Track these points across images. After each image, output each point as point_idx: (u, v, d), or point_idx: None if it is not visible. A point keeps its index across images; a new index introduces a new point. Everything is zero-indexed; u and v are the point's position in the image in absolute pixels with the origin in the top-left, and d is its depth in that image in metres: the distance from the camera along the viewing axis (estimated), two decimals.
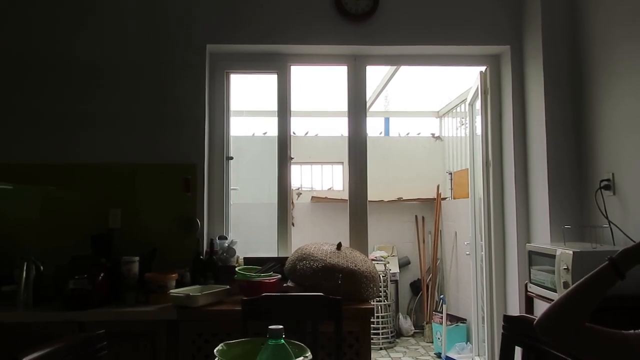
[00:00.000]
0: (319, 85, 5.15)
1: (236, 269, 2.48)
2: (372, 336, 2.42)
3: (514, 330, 1.56)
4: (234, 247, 2.73)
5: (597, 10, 2.47)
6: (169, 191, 2.74)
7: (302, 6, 2.85)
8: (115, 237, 2.59)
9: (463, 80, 4.70)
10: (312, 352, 1.27)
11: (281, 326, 1.17)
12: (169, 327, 2.20)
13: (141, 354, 2.20)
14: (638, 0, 2.17)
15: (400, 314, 5.47)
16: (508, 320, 1.60)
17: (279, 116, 2.97)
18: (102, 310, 2.21)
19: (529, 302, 2.45)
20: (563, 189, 2.59)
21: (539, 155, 2.69)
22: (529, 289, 2.39)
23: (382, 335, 4.96)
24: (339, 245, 2.56)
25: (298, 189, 5.96)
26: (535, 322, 1.17)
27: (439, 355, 4.60)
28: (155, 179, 2.74)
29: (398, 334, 5.32)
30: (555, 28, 2.66)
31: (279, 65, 2.97)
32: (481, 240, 3.20)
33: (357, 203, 2.97)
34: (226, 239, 2.76)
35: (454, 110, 5.56)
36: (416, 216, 5.81)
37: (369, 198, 3.00)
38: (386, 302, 5.07)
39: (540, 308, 2.32)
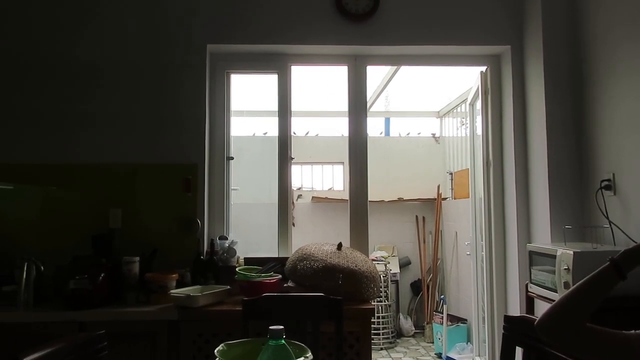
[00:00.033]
0: (319, 85, 5.16)
1: (237, 269, 2.48)
2: (372, 336, 2.42)
3: (515, 331, 1.56)
4: (234, 247, 2.72)
5: (597, 10, 2.47)
6: (170, 191, 2.74)
7: (303, 6, 2.85)
8: (116, 237, 2.59)
9: (463, 80, 4.70)
10: (312, 353, 1.27)
11: (282, 326, 1.17)
12: (170, 327, 2.20)
13: (142, 354, 2.19)
14: (638, 0, 2.17)
15: (400, 314, 5.47)
16: (509, 320, 1.60)
17: (279, 116, 2.97)
18: (102, 310, 2.21)
19: (529, 302, 2.45)
20: (564, 189, 2.59)
21: (539, 155, 2.69)
22: (529, 289, 2.39)
23: (382, 335, 4.95)
24: (340, 246, 2.56)
25: (299, 189, 5.96)
26: (536, 323, 1.16)
27: (439, 355, 4.60)
28: (156, 179, 2.74)
29: (399, 334, 5.32)
30: (555, 28, 2.66)
31: (279, 65, 2.97)
32: (482, 241, 3.20)
33: (358, 203, 2.97)
34: (227, 239, 2.76)
35: (455, 110, 5.56)
36: (417, 216, 5.81)
37: (370, 198, 3.00)
38: (387, 303, 5.07)
39: (541, 308, 2.32)
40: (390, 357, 4.69)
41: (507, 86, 2.94)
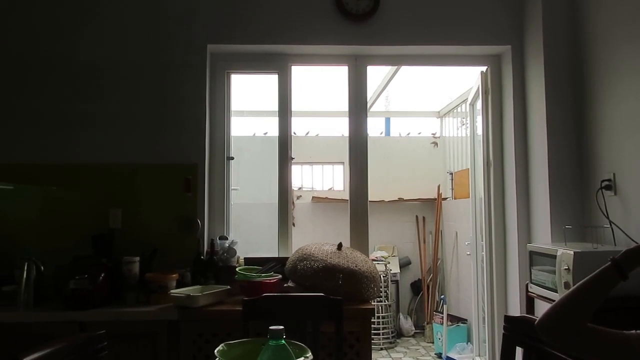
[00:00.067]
0: (319, 86, 5.16)
1: (237, 269, 2.48)
2: (372, 336, 2.42)
3: (515, 331, 1.56)
4: (234, 247, 2.72)
5: (598, 10, 2.47)
6: (170, 191, 2.74)
7: (303, 6, 2.85)
8: (116, 237, 2.59)
9: (464, 80, 4.70)
10: (312, 353, 1.26)
11: (282, 327, 1.17)
12: (170, 327, 2.20)
13: (142, 354, 2.19)
14: (639, 0, 2.17)
15: (400, 314, 5.47)
16: (509, 320, 1.60)
17: (279, 116, 2.97)
18: (102, 310, 2.21)
19: (529, 302, 2.45)
20: (564, 189, 2.59)
21: (539, 155, 2.69)
22: (529, 289, 2.39)
23: (382, 335, 4.95)
24: (340, 246, 2.56)
25: (299, 189, 5.96)
26: (536, 322, 1.16)
27: (439, 355, 4.60)
28: (156, 179, 2.74)
29: (399, 334, 5.32)
30: (556, 28, 2.66)
31: (279, 65, 2.97)
32: (482, 241, 3.19)
33: (358, 203, 2.97)
34: (227, 239, 2.76)
35: (455, 110, 5.56)
36: (417, 216, 5.81)
37: (370, 198, 3.00)
38: (387, 303, 5.07)
39: (541, 308, 2.32)
40: (390, 357, 4.69)
41: (507, 86, 2.94)
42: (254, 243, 3.18)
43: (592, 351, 1.11)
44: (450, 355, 4.35)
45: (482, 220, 3.19)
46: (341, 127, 5.94)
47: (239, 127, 3.58)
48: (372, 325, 3.86)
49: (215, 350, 1.28)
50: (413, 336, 5.35)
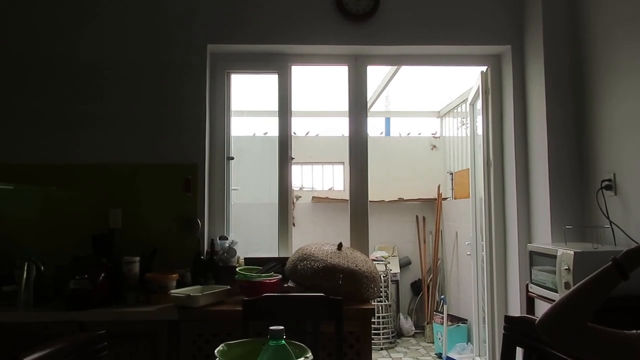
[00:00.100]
0: (319, 85, 5.16)
1: (237, 269, 2.48)
2: (372, 336, 2.42)
3: (515, 331, 1.56)
4: (234, 247, 2.72)
5: (598, 9, 2.47)
6: (170, 191, 2.74)
7: (303, 6, 2.85)
8: (116, 237, 2.59)
9: (464, 80, 4.70)
10: (312, 353, 1.26)
11: (282, 327, 1.17)
12: (170, 327, 2.20)
13: (142, 354, 2.19)
14: (639, 0, 2.17)
15: (401, 314, 5.47)
16: (509, 320, 1.60)
17: (279, 116, 2.97)
18: (102, 310, 2.21)
19: (530, 302, 2.45)
20: (564, 189, 2.58)
21: (540, 155, 2.69)
22: (530, 290, 2.39)
23: (382, 335, 4.95)
24: (340, 246, 2.56)
25: (299, 189, 5.95)
26: (536, 322, 1.16)
27: (439, 355, 4.59)
28: (156, 179, 2.74)
29: (399, 334, 5.32)
30: (556, 28, 2.66)
31: (279, 65, 2.97)
32: (482, 241, 3.19)
33: (358, 203, 2.97)
34: (227, 239, 2.76)
35: (455, 110, 5.56)
36: (417, 216, 5.81)
37: (370, 198, 3.00)
38: (387, 303, 5.07)
39: (541, 308, 2.32)
40: (391, 357, 4.69)
41: (507, 86, 2.94)
42: (254, 243, 3.18)
43: (592, 351, 1.11)
44: (451, 355, 4.35)
45: (482, 220, 3.19)
46: (341, 127, 5.95)
47: (239, 127, 3.58)
48: (372, 325, 3.85)
49: (215, 351, 1.28)
50: (413, 336, 5.35)
